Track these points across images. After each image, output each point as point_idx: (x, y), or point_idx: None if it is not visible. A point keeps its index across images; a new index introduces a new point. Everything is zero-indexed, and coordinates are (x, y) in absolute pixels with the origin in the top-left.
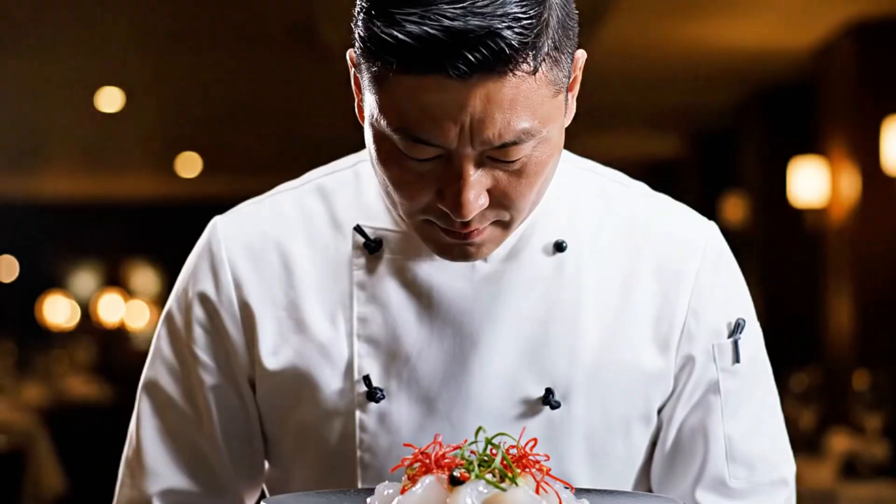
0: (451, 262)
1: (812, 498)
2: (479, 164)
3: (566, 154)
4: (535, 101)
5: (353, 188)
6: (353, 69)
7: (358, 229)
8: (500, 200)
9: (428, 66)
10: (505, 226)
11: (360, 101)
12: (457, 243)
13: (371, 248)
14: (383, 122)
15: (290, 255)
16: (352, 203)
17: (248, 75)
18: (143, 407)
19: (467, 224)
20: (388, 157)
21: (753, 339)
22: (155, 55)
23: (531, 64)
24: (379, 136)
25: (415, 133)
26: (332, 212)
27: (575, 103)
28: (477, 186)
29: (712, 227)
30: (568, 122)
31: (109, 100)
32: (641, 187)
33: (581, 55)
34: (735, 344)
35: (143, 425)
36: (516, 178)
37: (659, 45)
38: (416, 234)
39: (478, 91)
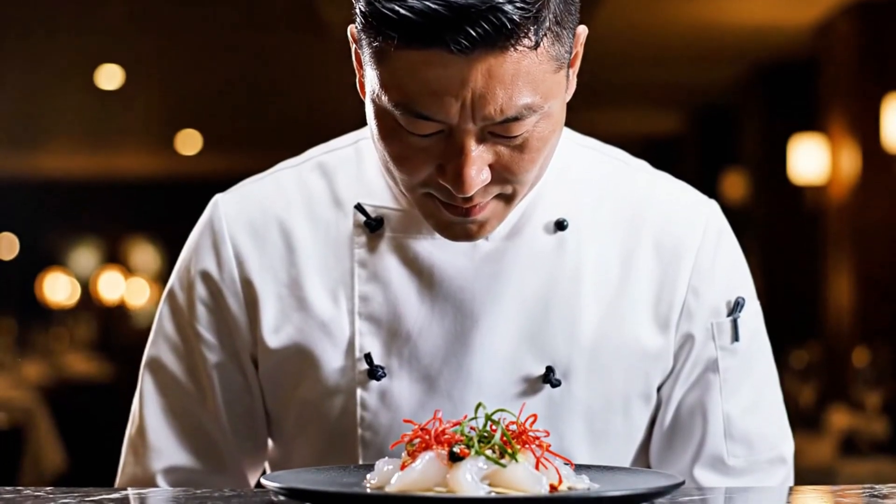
0: (453, 242)
1: (811, 474)
2: (481, 140)
3: (567, 132)
4: (536, 76)
5: (355, 165)
6: (353, 45)
7: (359, 207)
8: (503, 175)
9: (429, 40)
10: (508, 200)
11: (362, 76)
12: (458, 221)
13: (372, 226)
14: (384, 98)
15: (292, 232)
16: (353, 180)
17: (249, 53)
18: (146, 385)
19: (469, 199)
20: (389, 133)
21: (753, 317)
22: (155, 32)
23: (532, 38)
24: (380, 112)
25: (416, 108)
26: (333, 189)
27: (576, 79)
28: (478, 162)
29: (713, 205)
30: (569, 97)
31: (109, 77)
32: (642, 165)
33: (582, 31)
34: (734, 322)
35: (147, 403)
36: (518, 153)
37: (660, 22)
38: (418, 211)
39: (479, 66)
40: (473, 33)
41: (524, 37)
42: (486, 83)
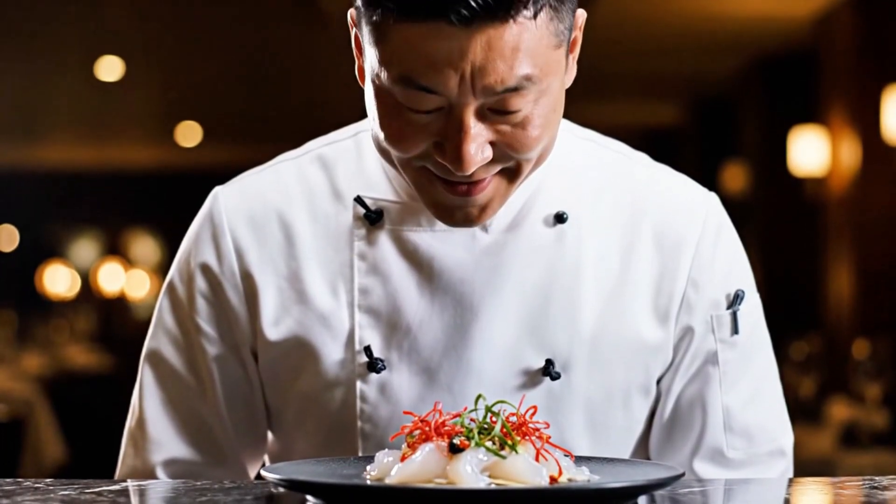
0: (452, 233)
1: (811, 466)
2: (481, 118)
3: (567, 124)
4: (536, 49)
5: (354, 158)
6: (353, 29)
7: (359, 200)
8: (506, 153)
9: (428, 12)
10: (511, 177)
11: (361, 62)
12: (458, 204)
13: (372, 218)
14: (384, 75)
15: (292, 225)
16: (352, 173)
17: (250, 44)
18: (145, 377)
19: (471, 176)
20: (389, 112)
21: (753, 310)
22: (155, 24)
23: (531, 9)
24: (380, 92)
25: (416, 81)
26: (332, 182)
27: (576, 66)
28: (478, 139)
29: (713, 197)
30: (569, 82)
31: (109, 68)
32: (642, 158)
33: (581, 14)
34: (734, 315)
35: (146, 396)
36: (521, 130)
37: (660, 13)
38: (416, 193)
39: (479, 38)
40: (473, 4)
41: (523, 7)
42: (486, 55)
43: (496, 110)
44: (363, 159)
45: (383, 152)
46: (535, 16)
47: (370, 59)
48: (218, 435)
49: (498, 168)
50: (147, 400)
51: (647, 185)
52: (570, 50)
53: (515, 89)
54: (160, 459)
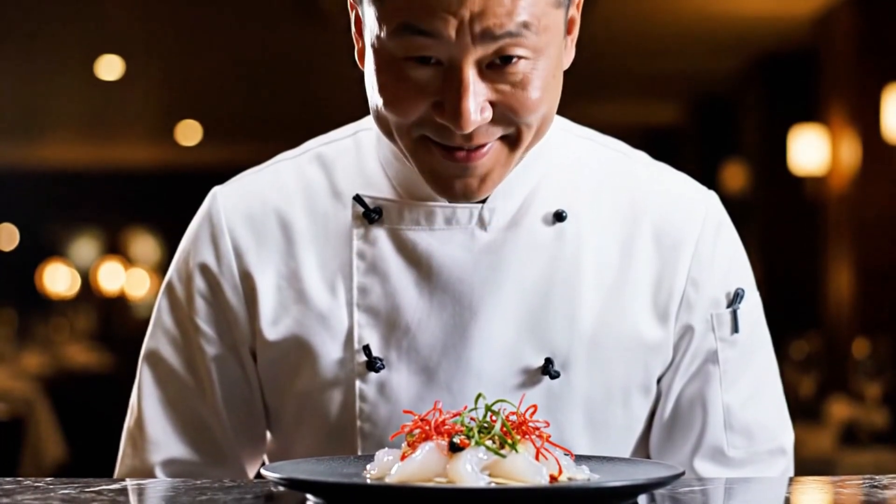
0: (451, 232)
1: (812, 465)
2: (481, 75)
3: (566, 123)
4: (534, 1)
5: (353, 156)
6: (353, 12)
7: (358, 199)
8: (505, 114)
9: None
10: (511, 144)
11: (361, 45)
12: (457, 173)
13: (371, 217)
14: (384, 31)
15: (291, 224)
16: (351, 171)
17: (249, 43)
18: (144, 377)
19: (470, 139)
20: (388, 74)
21: (753, 309)
22: (155, 23)
23: None
24: (379, 55)
25: (414, 24)
26: (331, 181)
27: (574, 48)
28: (478, 97)
29: (712, 196)
30: (567, 63)
31: (109, 68)
32: (642, 156)
33: None
34: (734, 314)
35: (145, 395)
36: (520, 90)
37: (660, 12)
38: (414, 163)
39: None
40: None
41: None
42: (485, 2)
43: (495, 67)
44: (362, 158)
45: (382, 124)
46: None
47: (369, 21)
48: (217, 435)
49: (498, 133)
50: (146, 400)
51: (646, 183)
52: (568, 30)
53: (514, 35)
54: (159, 459)
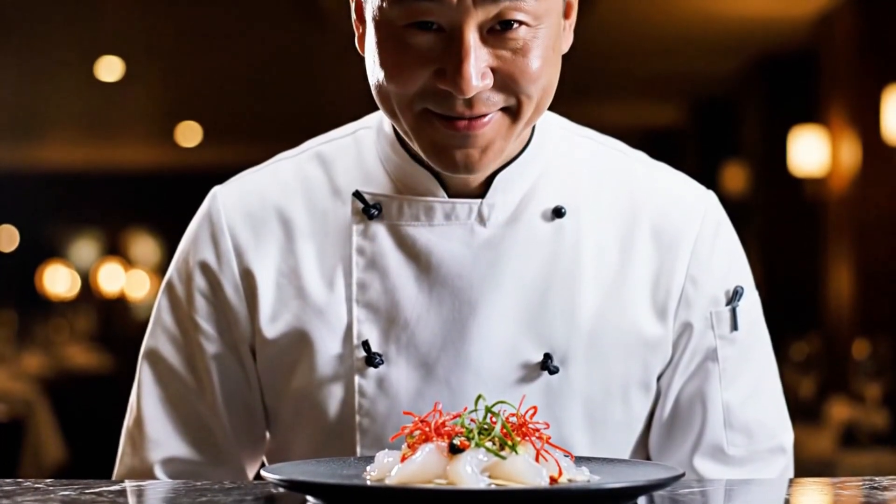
0: (450, 227)
1: (812, 466)
2: (482, 40)
3: (565, 122)
4: None
5: (353, 154)
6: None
7: (357, 195)
8: (506, 82)
9: None
10: (513, 116)
11: (361, 33)
12: (458, 144)
13: (370, 213)
14: (385, 3)
15: (290, 221)
16: (351, 169)
17: (249, 44)
18: (143, 376)
19: (471, 106)
20: (389, 44)
21: (752, 307)
22: (155, 24)
23: None
24: (380, 27)
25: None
26: (331, 178)
27: (572, 33)
28: (479, 63)
29: (711, 195)
30: (566, 47)
31: (109, 69)
32: (641, 155)
33: None
34: (733, 311)
35: (144, 394)
36: (521, 57)
37: (660, 13)
38: (415, 138)
39: None
40: None
41: None
42: None
43: (496, 32)
44: (362, 156)
45: (384, 100)
46: None
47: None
48: (216, 434)
49: (499, 104)
50: (145, 398)
51: (645, 181)
52: (566, 14)
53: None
54: (158, 458)
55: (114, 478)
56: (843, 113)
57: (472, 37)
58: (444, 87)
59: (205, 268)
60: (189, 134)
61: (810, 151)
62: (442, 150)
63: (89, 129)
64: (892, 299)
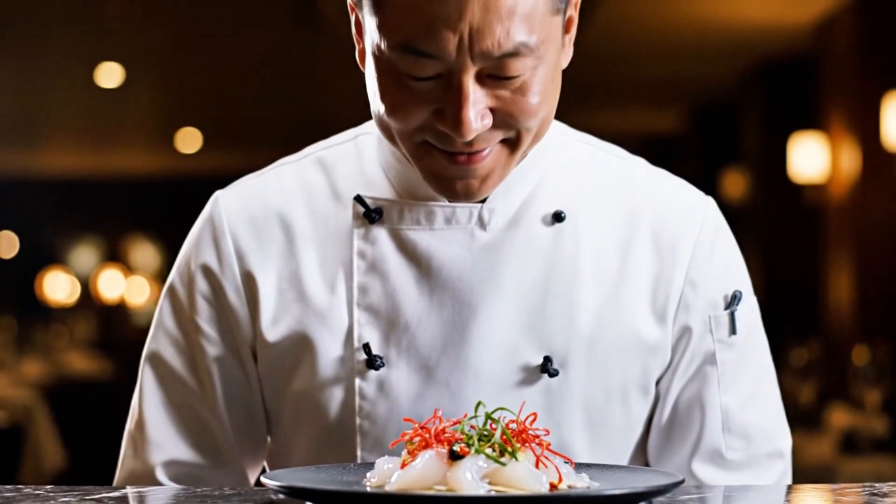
0: (451, 231)
1: (811, 472)
2: (480, 83)
3: (565, 128)
4: (532, 13)
5: (354, 160)
6: (353, 14)
7: (358, 199)
8: (506, 120)
9: None
10: (511, 147)
11: (362, 46)
12: (459, 175)
13: (371, 217)
14: (384, 44)
15: (292, 225)
16: (352, 174)
17: (249, 50)
18: (145, 379)
19: (470, 144)
20: (389, 82)
21: (750, 312)
22: (155, 30)
23: None
24: (380, 63)
25: (415, 45)
26: (332, 183)
27: (572, 47)
28: (478, 105)
29: (710, 200)
30: (566, 62)
31: (109, 75)
32: (640, 161)
33: None
34: (732, 316)
35: (146, 397)
36: (520, 96)
37: (660, 19)
38: (416, 165)
39: (476, 0)
40: None
41: None
42: (484, 17)
43: (495, 76)
44: (363, 161)
45: (384, 129)
46: None
47: (370, 29)
48: (218, 436)
49: (498, 138)
50: (147, 401)
51: (644, 186)
52: (566, 30)
53: (513, 54)
54: (160, 461)
55: (115, 481)
56: (844, 119)
57: (470, 83)
58: (444, 128)
59: (207, 271)
60: (189, 140)
61: (810, 157)
62: (442, 179)
63: (90, 135)
64: (893, 305)
